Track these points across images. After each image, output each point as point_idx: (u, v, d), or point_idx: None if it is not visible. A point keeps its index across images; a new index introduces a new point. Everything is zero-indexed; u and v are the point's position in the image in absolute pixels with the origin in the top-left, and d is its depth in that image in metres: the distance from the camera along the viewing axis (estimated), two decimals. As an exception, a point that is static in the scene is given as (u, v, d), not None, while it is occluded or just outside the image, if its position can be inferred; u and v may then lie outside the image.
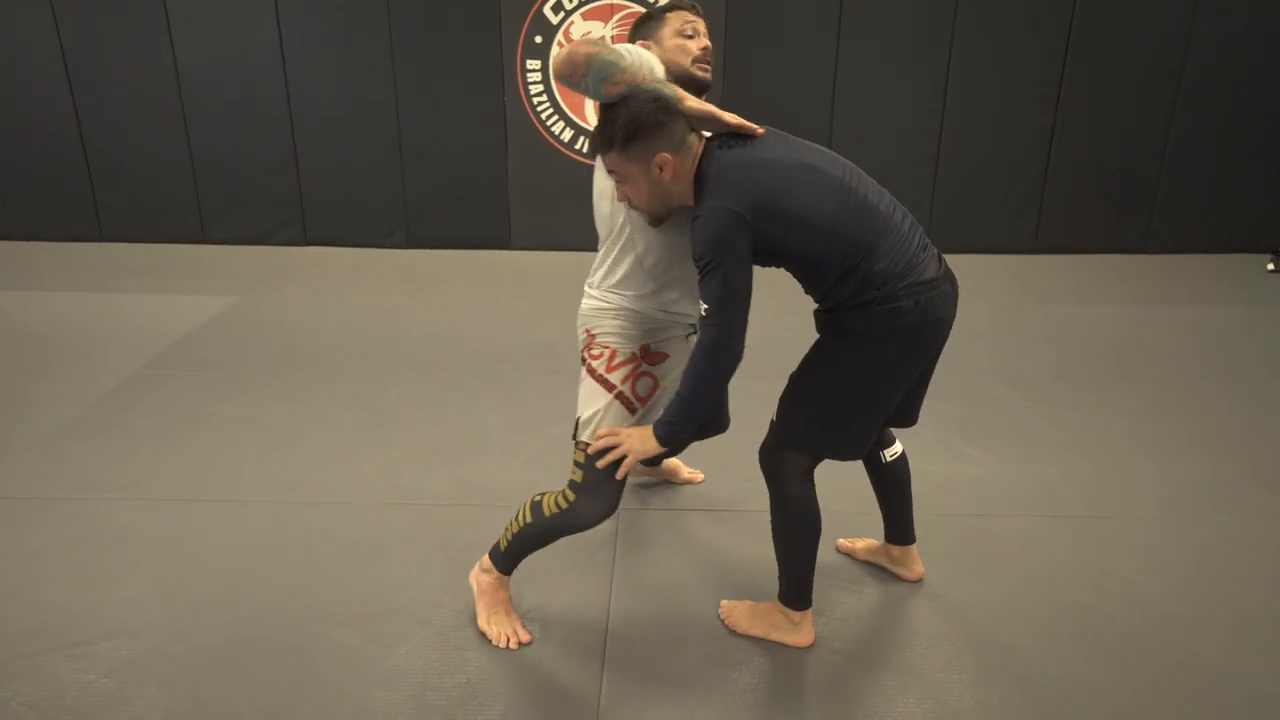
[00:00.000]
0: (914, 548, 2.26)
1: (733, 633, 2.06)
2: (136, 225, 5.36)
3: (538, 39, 4.97)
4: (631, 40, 1.94)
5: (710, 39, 1.99)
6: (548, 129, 5.13)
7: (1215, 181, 5.24)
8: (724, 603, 2.13)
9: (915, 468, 2.81)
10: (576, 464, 1.89)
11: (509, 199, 5.28)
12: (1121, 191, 5.28)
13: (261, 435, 2.99)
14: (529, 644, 2.01)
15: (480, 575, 2.06)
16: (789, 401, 1.90)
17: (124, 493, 2.63)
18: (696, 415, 1.76)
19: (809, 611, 2.01)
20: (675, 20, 1.93)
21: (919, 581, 2.25)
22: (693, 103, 1.73)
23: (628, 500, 2.62)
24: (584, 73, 1.64)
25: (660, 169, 1.68)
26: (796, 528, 1.93)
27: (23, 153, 5.21)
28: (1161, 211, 5.31)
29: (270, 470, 2.76)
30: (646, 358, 1.91)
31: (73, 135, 5.17)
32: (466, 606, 2.13)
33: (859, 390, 1.81)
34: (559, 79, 1.69)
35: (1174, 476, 2.80)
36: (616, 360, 1.90)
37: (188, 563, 2.30)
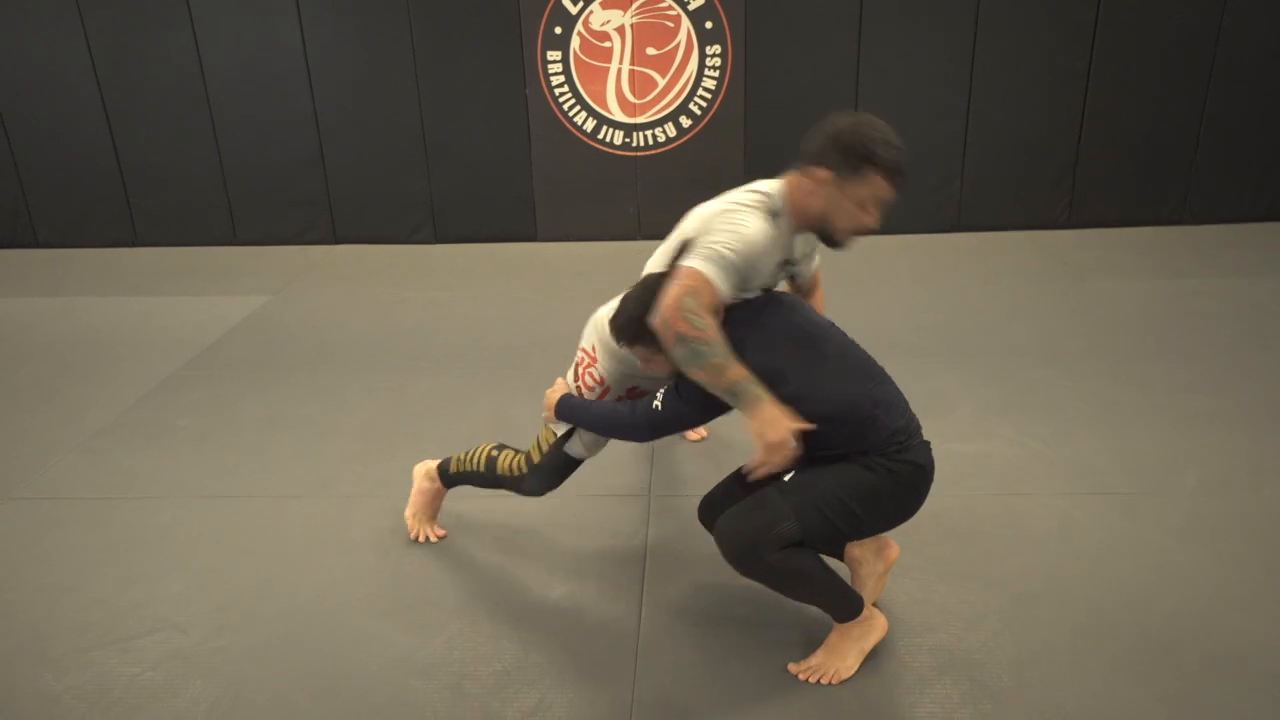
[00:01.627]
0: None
1: (836, 684, 1.89)
2: (170, 229, 5.45)
3: (557, 30, 4.96)
4: (826, 157, 1.79)
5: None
6: (570, 120, 5.13)
7: (1254, 150, 5.10)
8: (797, 668, 1.90)
9: (949, 447, 2.80)
10: (539, 446, 2.13)
11: (534, 191, 5.28)
12: (1156, 163, 5.15)
13: (296, 432, 3.03)
14: (444, 538, 2.37)
15: (425, 478, 2.36)
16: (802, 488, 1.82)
17: (166, 491, 2.68)
18: (586, 425, 2.02)
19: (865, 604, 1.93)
20: (876, 186, 1.78)
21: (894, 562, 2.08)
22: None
23: (658, 488, 2.62)
24: (669, 345, 1.76)
25: None
26: (799, 584, 1.83)
27: (58, 162, 5.32)
28: (1198, 182, 5.18)
29: (305, 466, 2.80)
30: (628, 394, 2.11)
31: (105, 144, 5.26)
32: (502, 597, 2.15)
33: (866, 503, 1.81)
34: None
35: (1216, 451, 2.74)
36: (598, 390, 2.10)
37: (228, 558, 2.34)
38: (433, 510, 2.39)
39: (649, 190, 5.25)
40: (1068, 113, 5.06)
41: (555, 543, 2.37)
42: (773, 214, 1.85)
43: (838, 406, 1.77)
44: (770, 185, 1.90)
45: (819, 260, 2.24)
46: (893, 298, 4.21)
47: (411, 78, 5.07)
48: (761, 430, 1.71)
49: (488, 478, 2.22)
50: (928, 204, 5.24)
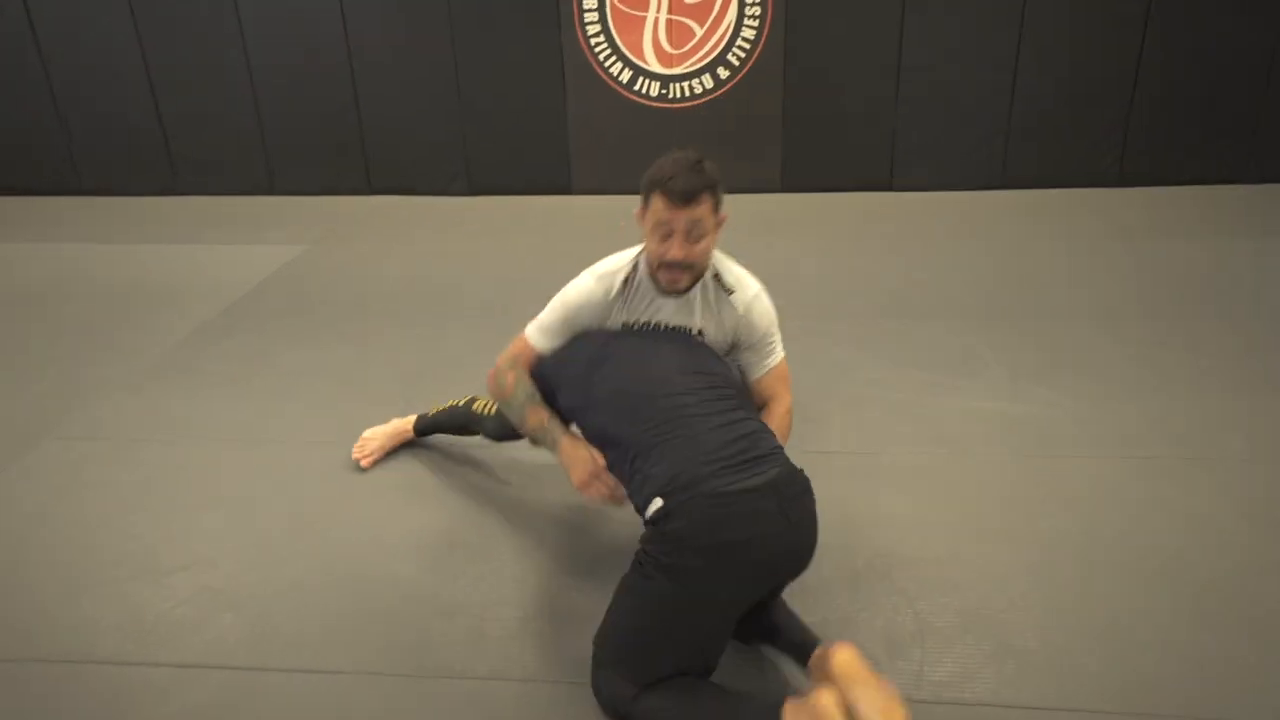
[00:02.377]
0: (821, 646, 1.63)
1: None
2: (208, 178, 5.50)
3: (594, -23, 4.86)
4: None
5: (706, 230, 1.81)
6: (605, 70, 5.04)
7: (1323, 105, 4.85)
8: None
9: (983, 407, 2.74)
10: None
11: (569, 144, 5.23)
12: (1214, 118, 4.93)
13: (328, 379, 3.06)
14: (365, 469, 2.47)
15: (403, 421, 2.52)
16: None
17: (200, 434, 2.73)
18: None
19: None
20: (655, 209, 1.80)
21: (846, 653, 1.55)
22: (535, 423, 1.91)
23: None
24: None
25: None
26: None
27: (100, 111, 5.38)
28: (1264, 137, 4.94)
29: (337, 412, 2.82)
30: None
31: (145, 92, 5.30)
32: (523, 542, 2.16)
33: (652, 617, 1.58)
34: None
35: (1263, 416, 2.64)
36: None
37: (260, 499, 2.38)
38: (388, 446, 2.51)
39: (686, 143, 5.15)
40: (1122, 62, 4.85)
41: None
42: (615, 275, 1.94)
43: (609, 440, 1.74)
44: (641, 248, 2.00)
45: (774, 365, 1.99)
46: (930, 255, 4.11)
47: (446, 28, 5.01)
48: (567, 471, 1.82)
49: (460, 414, 2.39)
50: (971, 159, 5.09)
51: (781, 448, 1.71)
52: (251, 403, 2.91)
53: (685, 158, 1.79)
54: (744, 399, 1.83)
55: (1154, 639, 1.82)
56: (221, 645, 1.87)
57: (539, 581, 2.03)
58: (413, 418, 2.55)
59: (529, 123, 5.21)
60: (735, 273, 1.98)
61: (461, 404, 2.43)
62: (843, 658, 1.48)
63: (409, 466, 2.50)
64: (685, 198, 1.75)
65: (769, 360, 1.99)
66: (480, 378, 3.07)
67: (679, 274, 1.83)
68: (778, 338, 2.00)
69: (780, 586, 1.70)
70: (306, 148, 5.38)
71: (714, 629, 1.57)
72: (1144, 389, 2.82)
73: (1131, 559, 2.06)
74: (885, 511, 2.24)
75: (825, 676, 1.50)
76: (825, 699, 1.41)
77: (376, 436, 2.52)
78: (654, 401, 1.70)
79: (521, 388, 1.94)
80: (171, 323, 3.58)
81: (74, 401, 2.94)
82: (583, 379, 1.84)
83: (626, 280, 1.92)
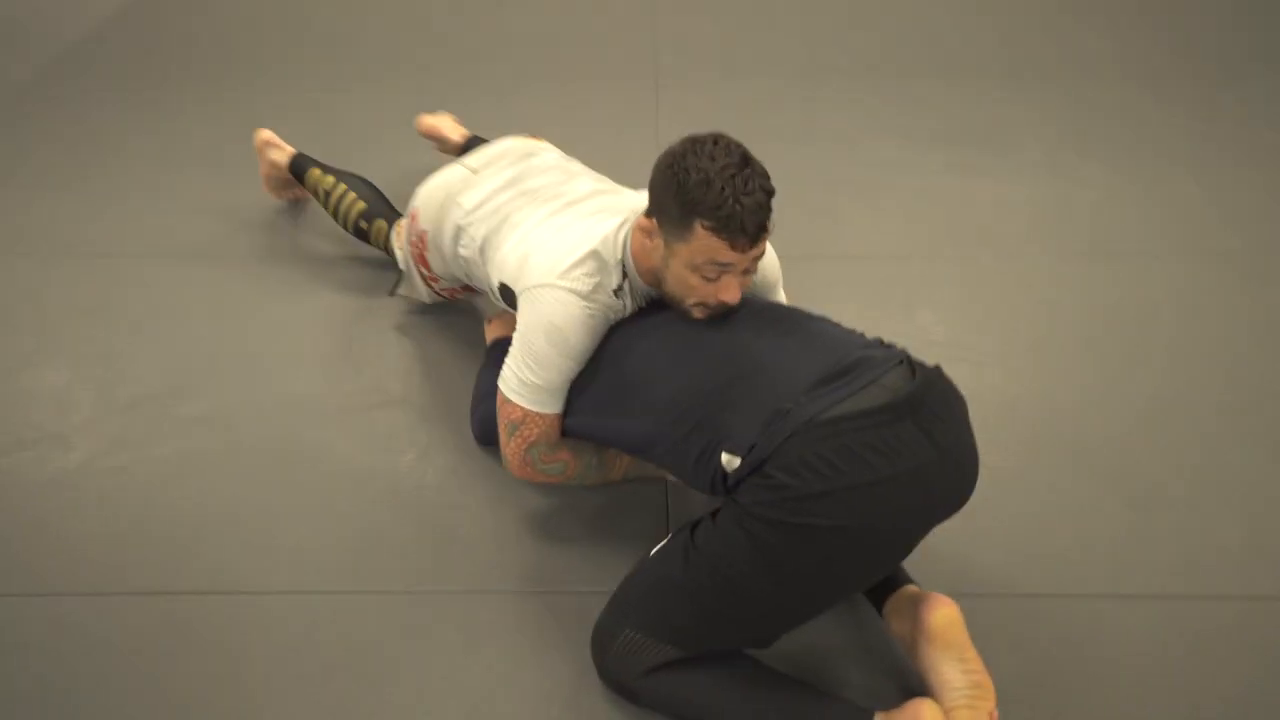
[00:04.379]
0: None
1: None
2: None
3: None
4: (651, 199, 1.24)
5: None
6: None
7: None
8: None
9: (1016, 193, 2.29)
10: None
11: None
12: None
13: (191, 167, 2.37)
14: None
15: (282, 151, 2.09)
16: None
17: (27, 248, 2.07)
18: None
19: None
20: (706, 244, 1.17)
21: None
22: None
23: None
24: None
25: None
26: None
27: None
28: None
29: (208, 215, 2.18)
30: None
31: None
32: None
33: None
34: None
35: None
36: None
37: (122, 340, 1.82)
38: (270, 176, 2.14)
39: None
40: None
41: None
42: (603, 289, 1.30)
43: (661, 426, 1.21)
44: (611, 230, 1.33)
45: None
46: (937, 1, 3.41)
47: None
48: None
49: (352, 235, 1.97)
50: None
51: (893, 344, 1.22)
52: (90, 204, 2.24)
53: (737, 167, 1.15)
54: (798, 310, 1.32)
55: (1211, 439, 1.54)
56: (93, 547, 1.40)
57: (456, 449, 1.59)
58: (292, 152, 2.09)
59: None
60: None
61: (351, 228, 1.94)
62: (944, 616, 1.16)
63: (323, 297, 1.94)
64: (757, 236, 1.18)
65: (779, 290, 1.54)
66: (395, 153, 2.43)
67: (719, 310, 1.25)
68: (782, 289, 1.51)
69: None
70: None
71: (822, 605, 1.18)
72: (1200, 166, 2.39)
73: (1187, 351, 1.77)
74: (920, 330, 1.84)
75: (911, 625, 1.19)
76: (926, 713, 1.09)
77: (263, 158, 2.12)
78: (704, 351, 1.22)
79: (583, 460, 1.40)
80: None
81: None
82: (614, 388, 1.29)
83: (619, 291, 1.32)
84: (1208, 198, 2.26)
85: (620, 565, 1.29)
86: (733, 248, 1.16)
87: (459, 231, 1.56)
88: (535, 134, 1.84)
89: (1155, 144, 2.48)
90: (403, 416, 1.65)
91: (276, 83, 2.79)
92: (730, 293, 1.21)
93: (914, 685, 1.21)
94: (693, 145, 1.17)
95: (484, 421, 1.51)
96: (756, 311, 1.26)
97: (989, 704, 1.13)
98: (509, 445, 1.35)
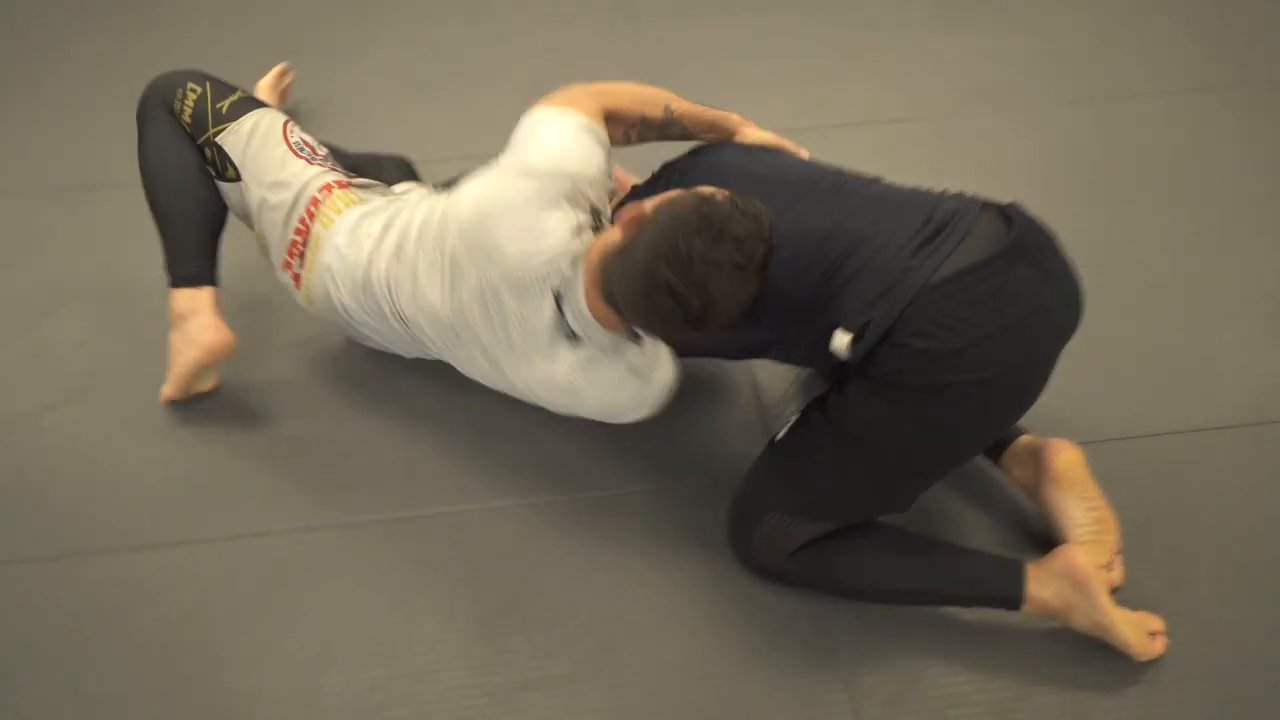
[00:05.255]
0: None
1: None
2: None
3: None
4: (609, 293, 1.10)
5: None
6: None
7: None
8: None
9: (1010, 42, 2.21)
10: None
11: None
12: None
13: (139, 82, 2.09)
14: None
15: None
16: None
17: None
18: None
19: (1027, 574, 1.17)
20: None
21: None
22: None
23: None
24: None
25: None
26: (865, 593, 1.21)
27: None
28: None
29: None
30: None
31: None
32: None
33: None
34: None
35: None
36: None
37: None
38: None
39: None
40: None
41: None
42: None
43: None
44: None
45: None
46: None
47: None
48: None
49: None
50: None
51: (961, 192, 1.18)
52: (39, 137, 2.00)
53: (741, 275, 1.03)
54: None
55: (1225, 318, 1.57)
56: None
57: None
58: None
59: None
60: None
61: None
62: (1067, 458, 1.21)
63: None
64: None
65: None
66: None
67: None
68: None
69: None
70: None
71: (963, 460, 1.23)
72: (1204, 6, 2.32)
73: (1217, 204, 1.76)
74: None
75: (1034, 471, 1.23)
76: (1079, 559, 1.12)
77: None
78: (796, 246, 1.12)
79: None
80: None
81: None
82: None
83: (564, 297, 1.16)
84: (1194, 29, 2.23)
85: (723, 456, 1.26)
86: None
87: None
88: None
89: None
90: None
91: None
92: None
93: (1037, 530, 1.24)
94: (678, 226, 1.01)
95: None
96: (831, 190, 1.19)
97: (1113, 537, 1.18)
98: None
